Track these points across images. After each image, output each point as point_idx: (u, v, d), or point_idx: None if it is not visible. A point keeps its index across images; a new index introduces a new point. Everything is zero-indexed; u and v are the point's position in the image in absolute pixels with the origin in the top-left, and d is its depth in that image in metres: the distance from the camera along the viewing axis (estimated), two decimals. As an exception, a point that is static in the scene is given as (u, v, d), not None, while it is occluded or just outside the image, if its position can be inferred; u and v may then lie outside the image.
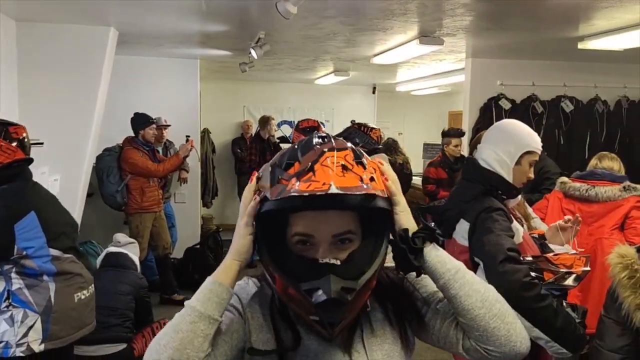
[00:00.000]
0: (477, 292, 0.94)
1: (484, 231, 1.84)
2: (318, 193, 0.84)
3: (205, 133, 7.43)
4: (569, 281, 1.74)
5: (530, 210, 2.51)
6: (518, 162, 1.95)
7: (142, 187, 4.71)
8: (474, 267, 1.90)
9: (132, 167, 4.68)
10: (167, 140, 5.46)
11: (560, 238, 2.11)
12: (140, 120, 4.81)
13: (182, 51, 5.24)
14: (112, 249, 3.55)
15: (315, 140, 0.93)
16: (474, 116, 5.38)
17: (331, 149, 0.90)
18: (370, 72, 6.76)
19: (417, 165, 7.65)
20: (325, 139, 0.93)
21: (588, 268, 1.77)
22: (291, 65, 6.20)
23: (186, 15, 3.67)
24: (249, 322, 0.97)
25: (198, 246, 5.53)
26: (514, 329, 0.94)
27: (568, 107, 5.31)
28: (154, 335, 3.27)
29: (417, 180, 6.60)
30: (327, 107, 8.74)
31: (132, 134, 4.84)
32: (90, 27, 3.83)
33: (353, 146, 0.93)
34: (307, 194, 0.85)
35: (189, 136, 5.15)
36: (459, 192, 2.07)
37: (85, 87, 3.80)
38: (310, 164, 0.88)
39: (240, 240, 0.93)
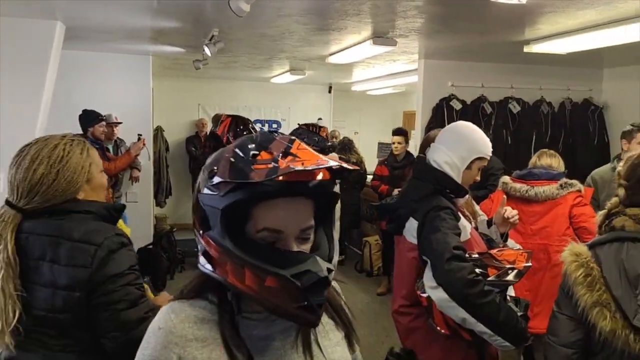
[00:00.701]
0: None
1: (431, 230, 1.89)
2: (323, 166, 0.83)
3: (158, 131, 7.29)
4: (511, 277, 1.82)
5: (477, 207, 2.59)
6: (469, 167, 2.01)
7: (93, 186, 4.57)
8: (422, 265, 1.95)
9: None
10: (117, 138, 5.33)
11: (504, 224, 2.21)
12: (89, 117, 4.67)
13: (134, 47, 5.11)
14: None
15: (272, 133, 0.94)
16: (427, 116, 5.50)
17: (293, 137, 0.93)
18: (326, 71, 6.80)
19: (372, 164, 7.74)
20: (280, 133, 0.95)
21: (529, 264, 1.85)
22: (246, 64, 6.16)
23: (137, 10, 3.59)
24: None
25: (151, 246, 5.41)
26: None
27: (515, 108, 5.51)
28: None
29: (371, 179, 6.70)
30: (283, 106, 8.73)
31: (81, 132, 4.70)
32: (35, 21, 3.69)
33: None
34: (310, 168, 0.83)
35: (140, 135, 5.05)
36: (410, 190, 2.12)
37: (30, 84, 3.65)
38: (284, 149, 0.87)
39: None
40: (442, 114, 5.39)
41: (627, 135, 3.51)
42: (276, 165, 0.84)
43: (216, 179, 0.88)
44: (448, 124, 5.62)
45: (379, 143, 8.01)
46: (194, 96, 8.19)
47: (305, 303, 0.86)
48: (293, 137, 0.92)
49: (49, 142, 1.55)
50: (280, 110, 8.73)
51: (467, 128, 2.08)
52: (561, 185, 2.96)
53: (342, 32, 4.10)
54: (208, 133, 7.45)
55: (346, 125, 9.53)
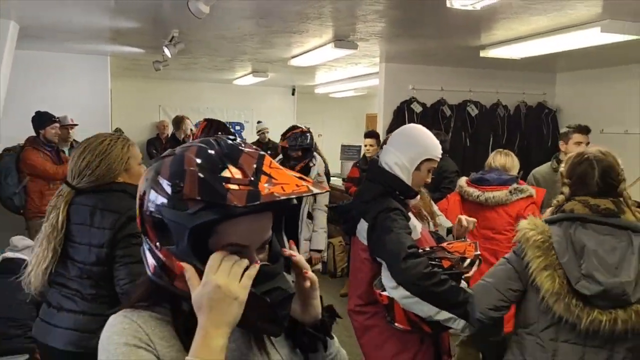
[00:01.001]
0: None
1: (383, 231, 1.93)
2: (304, 194, 0.84)
3: (117, 133, 7.13)
4: (464, 266, 1.92)
5: (435, 208, 2.65)
6: (418, 168, 2.06)
7: (42, 190, 4.45)
8: (376, 266, 1.99)
9: (31, 169, 4.43)
10: (74, 140, 5.18)
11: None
12: (41, 119, 4.54)
13: (91, 47, 5.00)
14: (8, 254, 3.31)
15: (234, 142, 0.91)
16: (388, 118, 5.58)
17: (261, 152, 0.91)
18: (289, 73, 6.80)
19: (336, 166, 7.79)
20: (242, 142, 0.92)
21: (478, 252, 1.96)
22: (208, 65, 6.11)
23: (94, 10, 3.51)
24: None
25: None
26: None
27: (473, 111, 5.66)
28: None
29: (335, 181, 6.74)
30: (246, 108, 8.68)
31: (34, 133, 4.56)
32: (-14, 19, 3.57)
33: None
34: (294, 196, 0.82)
35: None
36: (362, 192, 2.16)
37: (-19, 83, 3.54)
38: (255, 166, 0.85)
39: (237, 309, 0.82)
40: (403, 117, 5.47)
41: (564, 137, 3.68)
42: (256, 189, 0.82)
43: (184, 195, 0.84)
44: (408, 126, 5.68)
45: (342, 145, 8.06)
46: (154, 97, 8.06)
47: (272, 317, 0.87)
48: (262, 152, 0.89)
49: (98, 137, 2.01)
50: (243, 112, 8.67)
51: (416, 130, 2.14)
52: (510, 192, 3.04)
53: (304, 35, 4.12)
54: (169, 135, 7.34)
55: (310, 128, 9.54)
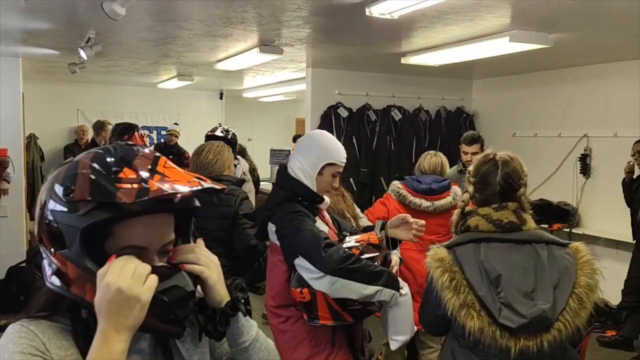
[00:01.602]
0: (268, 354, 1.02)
1: (294, 231, 1.96)
2: (195, 189, 0.84)
3: (31, 139, 6.73)
4: (373, 251, 1.99)
5: (358, 210, 2.71)
6: (320, 173, 2.07)
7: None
8: (290, 267, 2.01)
9: None
10: (-18, 147, 4.83)
11: (402, 231, 2.12)
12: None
13: (0, 48, 4.69)
14: None
15: (131, 146, 0.91)
16: (316, 123, 5.64)
17: (157, 154, 0.91)
18: (216, 77, 6.71)
19: (265, 170, 7.77)
20: (139, 146, 0.91)
21: (382, 236, 2.04)
22: (129, 68, 5.90)
23: (2, 9, 3.30)
24: None
25: (23, 264, 4.98)
26: None
27: (397, 115, 5.83)
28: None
29: (265, 185, 6.72)
30: (172, 112, 8.45)
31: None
32: None
33: None
34: (185, 190, 0.83)
35: None
36: (268, 198, 2.18)
37: None
38: (150, 167, 0.86)
39: (138, 313, 0.81)
40: (330, 121, 5.56)
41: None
42: (146, 185, 0.83)
43: (75, 197, 0.83)
44: (336, 131, 5.74)
45: (272, 149, 8.04)
46: (72, 101, 7.66)
47: (171, 317, 0.86)
48: (157, 154, 0.90)
49: (214, 143, 2.89)
50: (169, 116, 8.43)
51: (319, 135, 2.16)
52: (453, 197, 3.16)
53: (228, 39, 4.09)
54: (89, 141, 7.01)
55: (239, 132, 9.43)
